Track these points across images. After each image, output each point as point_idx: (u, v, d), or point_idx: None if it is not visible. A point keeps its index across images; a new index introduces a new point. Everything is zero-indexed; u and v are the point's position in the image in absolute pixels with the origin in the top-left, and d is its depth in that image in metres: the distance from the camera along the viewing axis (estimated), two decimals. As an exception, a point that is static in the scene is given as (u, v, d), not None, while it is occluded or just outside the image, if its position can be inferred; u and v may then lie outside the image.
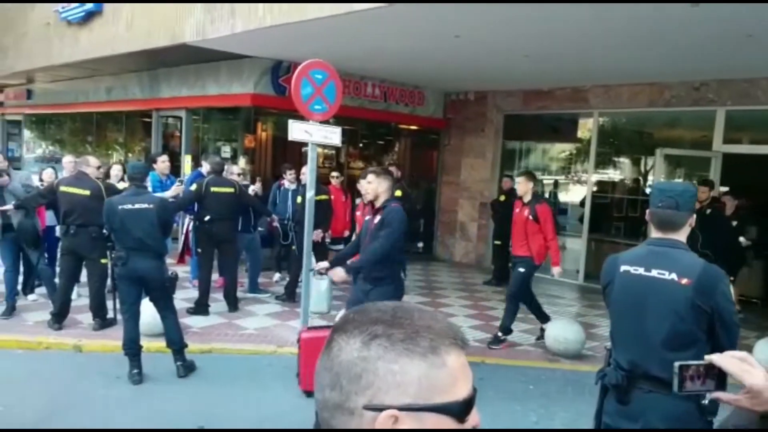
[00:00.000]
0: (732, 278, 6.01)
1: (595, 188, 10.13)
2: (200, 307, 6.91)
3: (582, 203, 10.10)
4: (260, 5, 6.53)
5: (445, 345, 0.80)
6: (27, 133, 16.32)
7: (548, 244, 6.27)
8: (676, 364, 1.32)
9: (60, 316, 6.27)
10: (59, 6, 9.72)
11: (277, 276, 8.80)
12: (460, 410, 0.80)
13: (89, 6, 9.08)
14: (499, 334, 6.42)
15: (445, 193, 11.64)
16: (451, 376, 0.80)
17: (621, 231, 10.17)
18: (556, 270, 6.39)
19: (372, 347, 0.78)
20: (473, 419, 0.83)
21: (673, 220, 2.52)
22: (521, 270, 6.34)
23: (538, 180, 7.20)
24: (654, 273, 2.50)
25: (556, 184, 11.34)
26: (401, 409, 0.76)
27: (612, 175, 10.78)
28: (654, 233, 2.63)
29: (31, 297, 7.22)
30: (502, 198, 9.55)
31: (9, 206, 6.42)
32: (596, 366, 3.04)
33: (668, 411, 2.40)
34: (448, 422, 0.79)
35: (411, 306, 0.85)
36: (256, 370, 5.49)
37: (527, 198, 6.34)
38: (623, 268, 2.60)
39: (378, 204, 4.76)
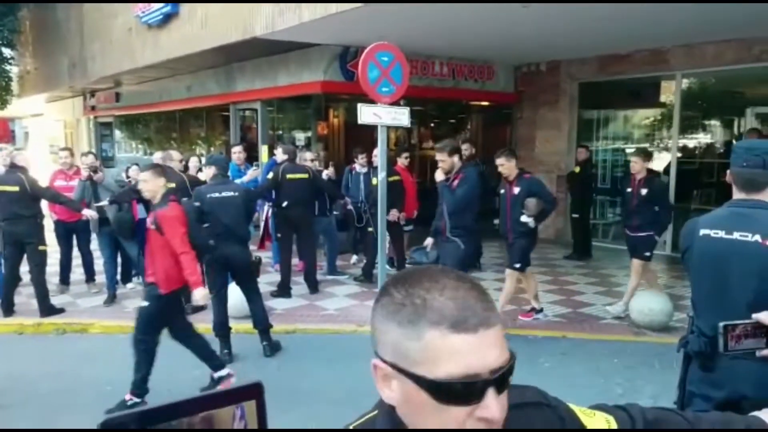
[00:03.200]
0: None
1: (680, 154, 9.66)
2: (283, 290, 7.18)
3: (666, 171, 9.66)
4: (324, -8, 6.62)
5: (432, 322, 0.79)
6: (118, 134, 17.32)
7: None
8: (721, 324, 1.29)
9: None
10: (139, 11, 10.22)
11: (354, 258, 8.98)
12: (432, 387, 0.78)
13: (166, 8, 9.50)
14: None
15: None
16: (427, 350, 0.79)
17: (711, 197, 9.66)
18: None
19: (378, 304, 0.87)
20: (485, 412, 0.78)
21: (758, 179, 2.40)
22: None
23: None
24: (736, 235, 2.40)
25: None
26: (384, 361, 0.84)
27: (700, 139, 10.23)
28: (736, 194, 2.52)
29: (129, 285, 7.74)
30: (578, 169, 9.29)
31: (104, 202, 6.88)
32: (684, 338, 2.95)
33: (757, 377, 2.31)
34: (422, 396, 0.79)
35: (438, 275, 0.84)
36: (338, 348, 5.66)
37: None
38: (702, 231, 2.50)
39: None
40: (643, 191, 6.29)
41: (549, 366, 5.18)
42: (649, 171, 6.54)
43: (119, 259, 7.54)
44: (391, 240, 7.73)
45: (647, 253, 6.36)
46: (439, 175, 5.68)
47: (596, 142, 10.76)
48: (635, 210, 6.40)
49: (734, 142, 9.77)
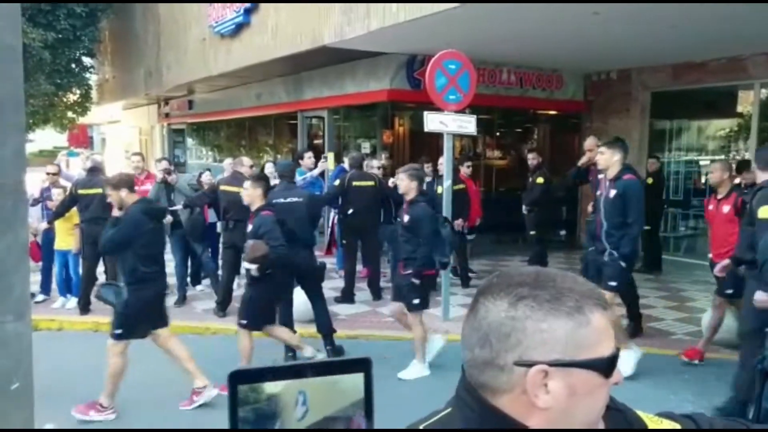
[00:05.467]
0: None
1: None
2: (346, 296, 7.25)
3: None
4: (393, 2, 6.68)
5: (589, 305, 0.84)
6: (189, 141, 17.96)
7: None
8: None
9: (224, 305, 6.88)
10: (213, 21, 10.59)
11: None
12: (605, 366, 0.84)
13: (239, 18, 9.80)
14: None
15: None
16: (596, 333, 0.84)
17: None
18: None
19: (519, 308, 0.83)
20: (616, 376, 0.87)
21: None
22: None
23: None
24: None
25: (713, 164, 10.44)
26: (550, 364, 0.82)
27: (781, 151, 9.71)
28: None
29: (198, 287, 7.98)
30: (650, 181, 8.99)
31: (178, 206, 7.14)
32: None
33: None
34: (594, 378, 0.84)
35: (552, 270, 0.89)
36: (400, 355, 5.66)
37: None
38: None
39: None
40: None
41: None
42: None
43: (189, 262, 7.79)
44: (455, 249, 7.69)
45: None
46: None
47: (668, 153, 10.39)
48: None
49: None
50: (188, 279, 7.81)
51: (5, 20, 0.93)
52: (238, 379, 0.68)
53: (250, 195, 5.00)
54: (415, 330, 5.23)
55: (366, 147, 10.61)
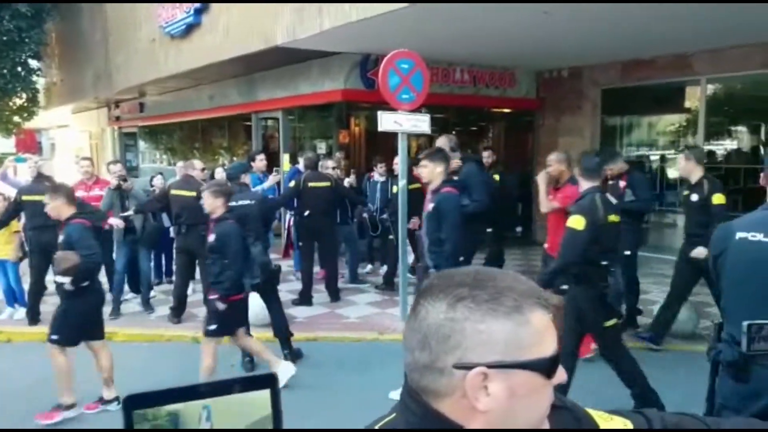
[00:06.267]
0: None
1: (705, 160, 9.48)
2: (304, 298, 7.18)
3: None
4: (346, 2, 6.64)
5: (529, 304, 0.83)
6: (142, 144, 17.56)
7: None
8: (745, 323, 1.26)
9: (178, 311, 6.73)
10: (163, 21, 10.36)
11: (368, 267, 8.95)
12: (547, 366, 0.83)
13: (189, 19, 9.61)
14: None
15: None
16: (536, 333, 0.82)
17: (738, 203, 9.48)
18: None
19: (458, 309, 0.81)
20: (559, 376, 0.86)
21: None
22: None
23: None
24: (776, 238, 2.31)
25: (663, 158, 10.73)
26: (490, 366, 0.80)
27: (726, 145, 10.05)
28: (772, 197, 2.44)
29: (129, 296, 7.65)
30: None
31: (130, 211, 6.95)
32: (710, 346, 2.87)
33: None
34: (535, 378, 0.82)
35: (492, 270, 0.88)
36: (360, 356, 5.63)
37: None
38: (739, 235, 2.42)
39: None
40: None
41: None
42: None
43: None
44: (413, 248, 7.70)
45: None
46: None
47: (620, 149, 10.63)
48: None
49: (762, 147, 9.60)
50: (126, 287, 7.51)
51: None
52: (134, 403, 0.65)
53: (211, 204, 4.81)
54: (204, 358, 4.67)
55: (322, 148, 10.54)
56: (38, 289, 6.88)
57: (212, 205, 4.78)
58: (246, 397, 0.69)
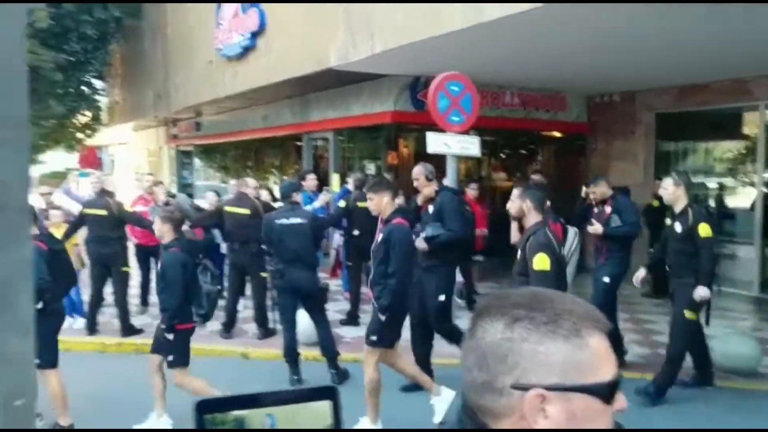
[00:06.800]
0: None
1: (765, 189, 9.18)
2: (352, 318, 7.22)
3: (753, 207, 9.20)
4: (398, 25, 6.76)
5: (587, 327, 0.83)
6: (197, 162, 18.08)
7: None
8: None
9: (229, 326, 6.88)
10: (220, 44, 10.73)
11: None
12: (606, 391, 0.82)
13: (245, 41, 9.93)
14: None
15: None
16: (594, 357, 0.82)
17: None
18: None
19: (515, 329, 0.82)
20: (619, 402, 0.84)
21: None
22: None
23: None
24: None
25: (721, 187, 10.41)
26: (548, 388, 0.80)
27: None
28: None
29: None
30: (655, 203, 8.97)
31: (185, 226, 7.17)
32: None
33: None
34: (594, 403, 0.81)
35: (550, 291, 0.88)
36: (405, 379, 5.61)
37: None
38: None
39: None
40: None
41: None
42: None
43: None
44: (460, 271, 7.67)
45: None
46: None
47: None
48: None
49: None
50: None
51: (11, 42, 0.96)
52: (205, 407, 0.69)
53: (159, 230, 4.78)
54: (154, 388, 4.67)
55: (371, 168, 10.65)
56: (97, 300, 7.14)
57: (160, 230, 4.73)
58: (308, 408, 0.73)
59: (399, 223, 4.58)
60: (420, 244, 5.31)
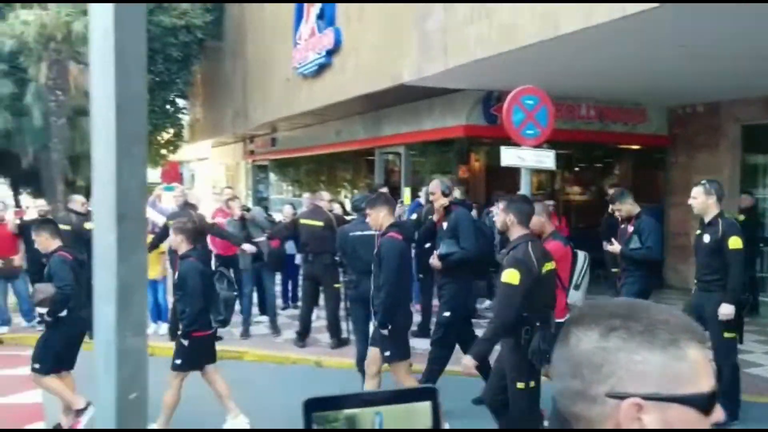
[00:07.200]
0: None
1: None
2: (423, 331, 7.24)
3: None
4: (471, 40, 6.79)
5: (685, 338, 0.82)
6: (272, 176, 18.64)
7: None
8: None
9: (303, 335, 7.04)
10: (296, 63, 11.08)
11: (486, 303, 8.84)
12: (704, 403, 0.81)
13: (321, 59, 10.21)
14: None
15: (674, 215, 10.74)
16: (692, 368, 0.81)
17: None
18: None
19: (611, 338, 0.82)
20: (717, 414, 0.82)
21: None
22: None
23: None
24: None
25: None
26: (645, 397, 0.80)
27: None
28: None
29: (262, 318, 8.11)
30: (742, 218, 8.54)
31: (262, 237, 7.43)
32: None
33: None
34: (691, 414, 0.80)
35: (646, 302, 0.88)
36: (479, 390, 5.57)
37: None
38: None
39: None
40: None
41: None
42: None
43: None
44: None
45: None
46: None
47: (763, 189, 9.87)
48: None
49: None
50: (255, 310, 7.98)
51: (135, 66, 1.07)
52: (313, 406, 0.74)
53: (173, 241, 4.92)
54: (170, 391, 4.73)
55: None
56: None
57: (174, 241, 4.84)
58: (413, 408, 0.76)
59: (391, 237, 4.63)
60: (434, 261, 5.37)
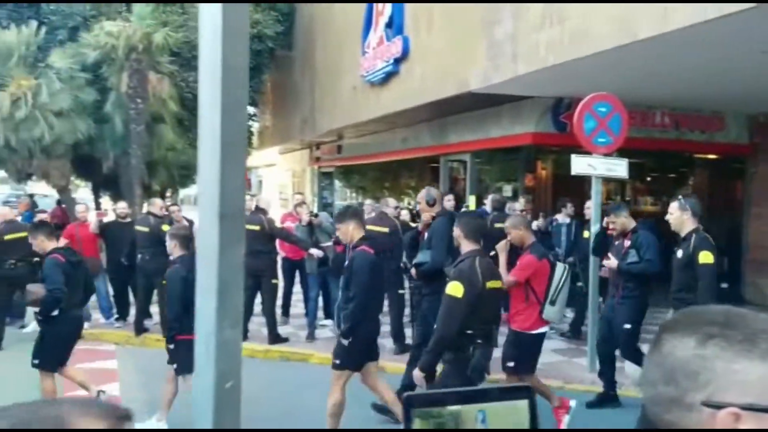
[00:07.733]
0: None
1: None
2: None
3: None
4: (542, 46, 6.71)
5: None
6: (337, 183, 18.92)
7: None
8: None
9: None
10: (364, 71, 11.23)
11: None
12: None
13: (389, 68, 10.31)
14: None
15: (754, 226, 10.24)
16: None
17: None
18: None
19: (708, 346, 0.81)
20: None
21: None
22: None
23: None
24: None
25: None
26: (743, 407, 0.78)
27: None
28: None
29: (328, 322, 8.25)
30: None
31: (329, 242, 7.56)
32: None
33: None
34: None
35: (743, 310, 0.87)
36: (542, 405, 5.49)
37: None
38: None
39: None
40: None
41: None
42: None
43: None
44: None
45: None
46: None
47: None
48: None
49: None
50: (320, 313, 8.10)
51: (237, 73, 1.14)
52: (413, 402, 0.76)
53: (39, 244, 5.09)
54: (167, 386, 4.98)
55: (507, 190, 10.57)
56: (247, 309, 7.67)
57: (168, 246, 4.96)
58: (514, 406, 0.79)
59: (361, 251, 4.65)
60: (413, 270, 5.41)
